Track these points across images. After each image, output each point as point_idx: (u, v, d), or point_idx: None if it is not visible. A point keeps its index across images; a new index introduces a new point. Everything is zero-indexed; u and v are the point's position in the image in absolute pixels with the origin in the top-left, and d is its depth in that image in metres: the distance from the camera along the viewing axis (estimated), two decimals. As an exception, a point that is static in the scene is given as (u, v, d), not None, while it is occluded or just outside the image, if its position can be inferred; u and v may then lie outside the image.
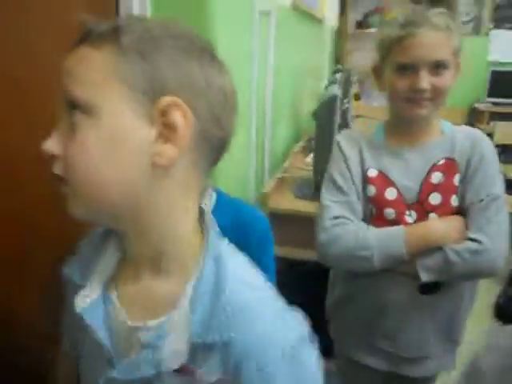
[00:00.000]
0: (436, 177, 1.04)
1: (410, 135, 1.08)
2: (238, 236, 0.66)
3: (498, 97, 4.16)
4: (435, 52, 0.97)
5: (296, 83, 2.50)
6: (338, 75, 2.52)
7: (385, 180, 1.06)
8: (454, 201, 1.03)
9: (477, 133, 1.08)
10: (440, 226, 1.01)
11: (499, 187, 1.02)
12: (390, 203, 1.05)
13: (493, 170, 1.03)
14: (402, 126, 1.09)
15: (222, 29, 1.24)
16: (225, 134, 0.50)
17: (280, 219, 1.62)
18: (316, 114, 1.70)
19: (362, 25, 4.38)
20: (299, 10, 2.30)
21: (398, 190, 1.05)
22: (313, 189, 1.73)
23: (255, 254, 0.68)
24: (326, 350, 0.78)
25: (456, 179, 1.04)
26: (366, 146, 1.09)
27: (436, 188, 1.03)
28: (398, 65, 1.00)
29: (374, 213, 1.06)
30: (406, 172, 1.06)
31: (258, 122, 1.70)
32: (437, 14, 0.98)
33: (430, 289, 1.05)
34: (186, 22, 0.50)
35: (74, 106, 0.45)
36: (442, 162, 1.05)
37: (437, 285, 1.04)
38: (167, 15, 1.05)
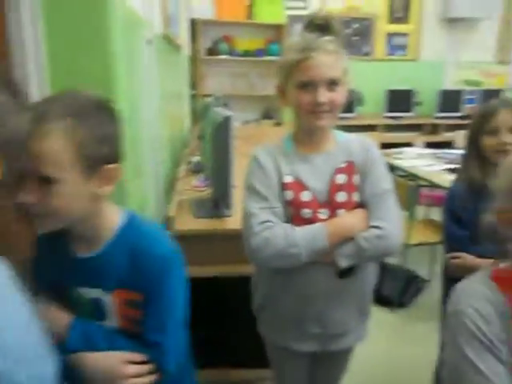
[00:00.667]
0: (340, 178, 1.22)
1: (315, 143, 1.25)
2: (136, 263, 0.90)
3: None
4: (329, 71, 1.15)
5: (170, 108, 2.55)
6: (211, 98, 2.65)
7: (299, 185, 1.20)
8: (356, 197, 1.22)
9: (366, 140, 1.29)
10: (350, 219, 1.19)
11: (389, 182, 1.24)
12: (305, 204, 1.20)
13: (383, 169, 1.25)
14: (307, 135, 1.25)
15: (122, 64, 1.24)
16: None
17: (188, 240, 1.66)
18: (209, 137, 1.79)
19: (212, 52, 4.62)
20: (168, 39, 2.37)
21: (311, 192, 1.20)
22: (211, 208, 1.81)
23: (152, 289, 0.90)
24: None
25: (356, 179, 1.23)
26: (280, 156, 1.23)
27: (341, 188, 1.21)
28: (299, 83, 1.16)
29: (293, 214, 1.20)
30: (315, 176, 1.22)
31: (150, 147, 1.71)
32: (327, 41, 1.16)
33: (345, 273, 1.22)
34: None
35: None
36: (343, 165, 1.23)
37: (351, 269, 1.22)
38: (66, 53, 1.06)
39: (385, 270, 2.90)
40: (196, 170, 2.37)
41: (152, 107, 1.73)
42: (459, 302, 0.85)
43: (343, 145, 1.27)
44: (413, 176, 3.03)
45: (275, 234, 1.14)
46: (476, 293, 0.85)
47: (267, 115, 4.98)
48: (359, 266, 1.24)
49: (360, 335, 1.35)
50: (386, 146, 4.17)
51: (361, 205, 1.23)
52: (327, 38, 1.18)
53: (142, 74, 1.56)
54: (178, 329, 0.95)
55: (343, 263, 1.18)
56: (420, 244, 2.77)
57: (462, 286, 0.89)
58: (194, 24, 4.35)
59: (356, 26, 5.07)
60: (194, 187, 2.11)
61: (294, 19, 4.77)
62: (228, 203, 1.72)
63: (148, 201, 1.66)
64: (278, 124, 4.80)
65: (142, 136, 1.57)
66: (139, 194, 1.48)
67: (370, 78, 5.07)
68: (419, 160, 3.29)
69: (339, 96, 1.18)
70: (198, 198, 1.96)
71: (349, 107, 4.86)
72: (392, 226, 1.19)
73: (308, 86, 1.16)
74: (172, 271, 0.93)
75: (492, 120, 1.44)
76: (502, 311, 0.81)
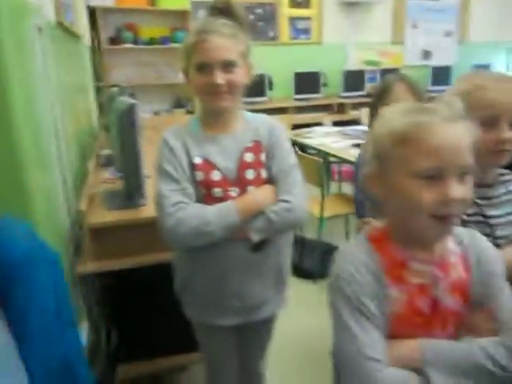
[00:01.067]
0: (248, 156, 1.26)
1: (222, 124, 1.28)
2: None
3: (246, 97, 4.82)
4: (224, 53, 1.19)
5: (72, 101, 2.43)
6: (116, 89, 2.57)
7: (209, 165, 1.24)
8: (264, 174, 1.28)
9: (272, 120, 1.35)
10: (259, 194, 1.25)
11: (294, 159, 1.31)
12: (216, 184, 1.23)
13: (287, 146, 1.31)
14: (212, 116, 1.28)
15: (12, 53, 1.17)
16: None
17: (103, 234, 1.62)
18: (115, 127, 1.74)
19: (114, 41, 4.45)
20: (62, 27, 2.24)
21: (220, 171, 1.24)
22: (124, 198, 1.77)
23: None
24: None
25: (262, 157, 1.28)
26: (188, 138, 1.25)
27: (249, 165, 1.26)
28: (197, 65, 1.19)
29: (204, 194, 1.23)
30: (224, 155, 1.25)
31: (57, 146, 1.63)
32: (223, 24, 1.20)
33: (258, 247, 1.27)
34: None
35: None
36: (251, 144, 1.28)
37: (263, 243, 1.27)
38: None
39: (303, 244, 3.03)
40: (106, 162, 2.29)
41: (49, 99, 1.64)
42: (337, 266, 0.89)
43: (251, 125, 1.31)
44: (323, 153, 3.18)
45: (188, 213, 1.17)
46: (352, 256, 0.89)
47: (178, 104, 4.91)
48: (271, 239, 1.30)
49: (279, 304, 1.42)
50: (297, 126, 4.32)
51: (269, 181, 1.29)
52: (223, 21, 1.21)
53: (35, 64, 1.47)
54: (43, 333, 0.86)
55: (255, 237, 1.23)
56: (334, 216, 2.92)
57: (341, 250, 0.92)
58: (93, 12, 4.16)
59: (259, 11, 5.14)
60: (106, 180, 2.05)
61: (198, 5, 4.73)
62: (141, 192, 1.69)
63: (56, 196, 1.59)
64: (191, 112, 4.76)
65: (43, 129, 1.49)
66: (44, 191, 1.41)
67: (277, 61, 5.19)
68: (328, 138, 3.45)
69: (237, 77, 1.22)
70: (110, 190, 1.90)
71: (260, 91, 4.94)
72: (298, 199, 1.26)
73: (205, 67, 1.19)
74: (24, 278, 0.83)
75: (389, 94, 1.56)
76: (376, 271, 0.86)
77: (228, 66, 1.20)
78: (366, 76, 5.61)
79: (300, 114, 4.94)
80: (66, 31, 2.39)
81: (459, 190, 0.78)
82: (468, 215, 1.11)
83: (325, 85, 5.43)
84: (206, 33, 1.18)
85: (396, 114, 0.84)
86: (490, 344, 0.82)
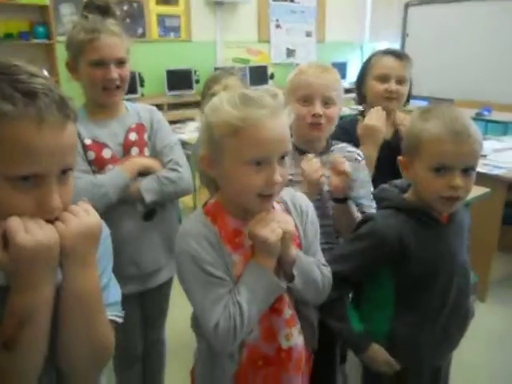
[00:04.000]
0: (132, 136, 1.44)
1: (108, 112, 1.44)
2: None
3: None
4: (117, 51, 1.34)
5: None
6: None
7: (99, 145, 1.38)
8: (147, 152, 1.46)
9: (149, 106, 1.55)
10: (145, 159, 1.44)
11: (175, 137, 1.54)
12: (108, 161, 1.39)
13: (167, 126, 1.54)
14: (100, 107, 1.43)
15: None
16: None
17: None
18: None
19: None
20: None
21: (110, 149, 1.39)
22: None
23: None
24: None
25: (145, 136, 1.46)
26: (78, 123, 1.36)
27: (133, 143, 1.44)
28: (92, 61, 1.32)
29: (98, 171, 1.37)
30: (111, 135, 1.41)
31: None
32: (112, 23, 1.35)
33: (149, 216, 1.46)
34: None
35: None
36: (134, 125, 1.45)
37: (153, 212, 1.45)
38: None
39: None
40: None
41: None
42: (181, 241, 0.98)
43: (132, 111, 1.48)
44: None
45: (84, 182, 1.30)
46: (191, 230, 0.97)
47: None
48: (160, 208, 1.47)
49: (172, 270, 1.56)
50: (171, 122, 4.38)
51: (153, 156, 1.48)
52: (111, 20, 1.35)
53: None
54: None
55: (148, 197, 1.38)
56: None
57: (181, 228, 1.02)
58: None
59: (125, 7, 5.09)
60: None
61: (58, 0, 4.54)
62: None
63: None
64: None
65: None
66: None
67: (147, 59, 5.19)
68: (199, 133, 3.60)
69: (127, 72, 1.40)
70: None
71: (131, 88, 4.89)
72: (186, 170, 1.46)
73: (100, 64, 1.32)
74: None
75: (219, 82, 1.76)
76: (215, 241, 0.96)
77: (120, 62, 1.35)
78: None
79: (173, 111, 5.02)
80: None
81: (281, 172, 0.92)
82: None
83: (197, 81, 5.57)
84: (99, 31, 1.30)
85: (227, 104, 0.91)
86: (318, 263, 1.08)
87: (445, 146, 1.09)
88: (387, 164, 1.50)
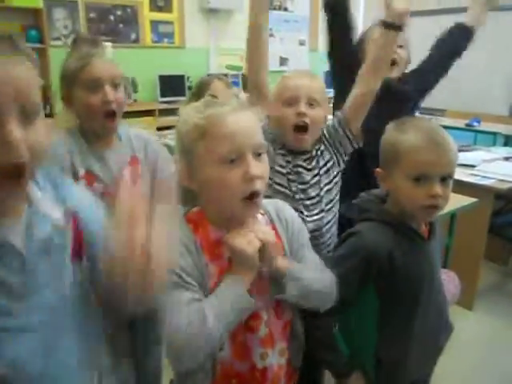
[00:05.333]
0: (126, 173, 1.40)
1: (104, 141, 1.41)
2: None
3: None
4: (111, 71, 1.35)
5: None
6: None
7: (91, 176, 1.35)
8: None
9: (144, 135, 1.53)
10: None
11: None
12: (97, 195, 1.31)
13: (166, 154, 1.53)
14: (96, 135, 1.40)
15: None
16: None
17: None
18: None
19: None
20: None
21: (103, 183, 1.36)
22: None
23: None
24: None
25: (139, 170, 1.42)
26: (74, 149, 1.37)
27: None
28: (87, 83, 1.31)
29: None
30: (106, 169, 1.38)
31: None
32: (102, 51, 1.36)
33: None
34: None
35: None
36: (129, 158, 1.43)
37: None
38: None
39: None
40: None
41: None
42: None
43: (125, 140, 1.45)
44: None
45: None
46: None
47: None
48: None
49: None
50: (162, 128, 4.39)
51: None
52: (98, 49, 1.37)
53: None
54: None
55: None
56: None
57: None
58: None
59: (119, 13, 5.10)
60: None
61: (52, 4, 4.55)
62: None
63: None
64: (49, 116, 4.54)
65: None
66: None
67: (140, 64, 5.19)
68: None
69: (122, 96, 1.38)
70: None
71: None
72: None
73: (95, 86, 1.31)
74: None
75: (207, 90, 1.77)
76: (193, 249, 0.94)
77: (115, 82, 1.34)
78: (229, 80, 5.89)
79: (165, 117, 5.02)
80: None
81: (258, 167, 0.91)
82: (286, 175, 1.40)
83: (190, 88, 5.58)
84: (90, 56, 1.32)
85: (193, 111, 0.93)
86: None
87: (424, 155, 1.11)
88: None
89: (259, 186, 0.92)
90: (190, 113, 0.94)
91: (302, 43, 7.02)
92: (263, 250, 0.92)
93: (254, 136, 0.93)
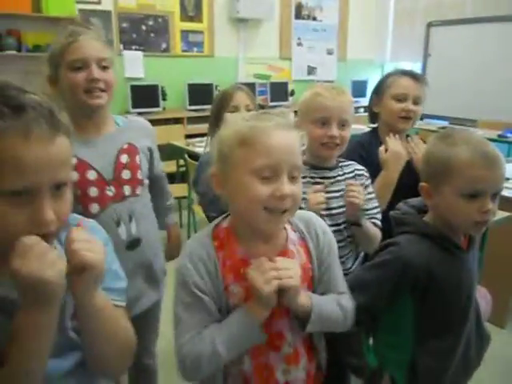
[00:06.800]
0: (123, 158, 1.37)
1: (94, 126, 1.35)
2: None
3: (140, 107, 4.85)
4: (97, 52, 1.28)
5: None
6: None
7: (83, 165, 1.30)
8: (140, 175, 1.40)
9: (145, 124, 1.52)
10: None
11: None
12: (92, 183, 1.30)
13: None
14: (85, 118, 1.33)
15: None
16: None
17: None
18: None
19: (-5, 47, 4.22)
20: None
21: (96, 171, 1.31)
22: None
23: None
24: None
25: (137, 159, 1.40)
26: None
27: (125, 166, 1.36)
28: (72, 63, 1.26)
29: (80, 194, 1.28)
30: (99, 156, 1.33)
31: None
32: (90, 29, 1.31)
33: (132, 246, 1.39)
34: None
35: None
36: (125, 146, 1.38)
37: (136, 242, 1.39)
38: None
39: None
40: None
41: None
42: (181, 259, 0.96)
43: (124, 127, 1.41)
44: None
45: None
46: (192, 253, 0.95)
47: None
48: (146, 236, 1.42)
49: (154, 298, 1.51)
50: (190, 136, 4.44)
51: (142, 181, 1.42)
52: (90, 29, 1.32)
53: None
54: None
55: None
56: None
57: (187, 245, 1.00)
58: (-31, 16, 3.92)
59: (151, 23, 5.20)
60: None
61: (87, 14, 4.67)
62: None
63: None
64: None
65: None
66: None
67: (170, 73, 5.28)
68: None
69: (111, 77, 1.32)
70: None
71: (154, 102, 4.98)
72: None
73: (80, 66, 1.26)
74: None
75: (230, 101, 1.73)
76: (212, 270, 0.93)
77: (103, 63, 1.29)
78: (257, 89, 5.91)
79: (193, 125, 5.07)
80: None
81: (290, 187, 0.89)
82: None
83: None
84: (77, 34, 1.27)
85: (238, 120, 0.95)
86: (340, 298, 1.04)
87: (478, 170, 1.07)
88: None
89: (288, 205, 0.91)
90: (235, 120, 0.95)
91: (330, 52, 6.99)
92: (285, 290, 0.90)
93: (293, 157, 0.91)
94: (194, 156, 3.55)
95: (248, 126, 0.91)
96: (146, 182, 1.46)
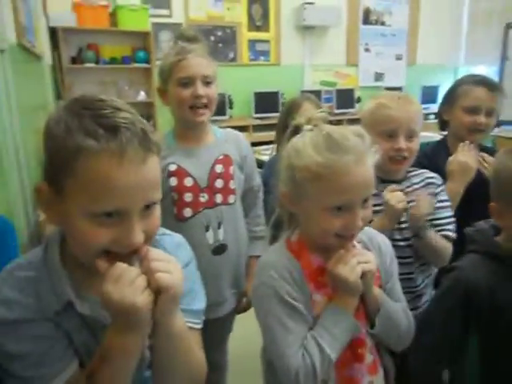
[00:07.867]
0: (218, 168, 1.44)
1: (195, 137, 1.45)
2: None
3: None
4: (203, 69, 1.38)
5: (33, 119, 2.50)
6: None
7: (182, 172, 1.39)
8: (232, 184, 1.46)
9: (237, 135, 1.55)
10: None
11: (259, 178, 1.56)
12: (188, 189, 1.39)
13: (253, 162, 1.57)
14: (188, 130, 1.44)
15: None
16: None
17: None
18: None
19: (76, 60, 4.52)
20: (23, 48, 2.33)
21: (193, 178, 1.40)
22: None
23: None
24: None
25: (231, 169, 1.46)
26: (165, 149, 1.40)
27: (219, 176, 1.43)
28: (180, 80, 1.36)
29: (177, 198, 1.39)
30: (197, 165, 1.42)
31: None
32: (198, 47, 1.40)
33: (219, 251, 1.44)
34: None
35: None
36: (221, 157, 1.45)
37: (223, 247, 1.44)
38: None
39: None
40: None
41: (9, 116, 1.73)
42: (262, 273, 0.95)
43: (221, 139, 1.49)
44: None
45: None
46: (276, 263, 0.95)
47: (141, 122, 4.98)
48: (234, 242, 1.46)
49: (233, 304, 1.55)
50: (255, 144, 4.48)
51: (234, 191, 1.48)
52: (199, 45, 1.41)
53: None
54: None
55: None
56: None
57: (263, 260, 1.00)
58: (55, 32, 4.23)
59: (219, 33, 5.34)
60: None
61: (158, 27, 4.89)
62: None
63: (16, 208, 1.67)
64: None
65: (3, 145, 1.58)
66: (4, 203, 1.51)
67: (237, 82, 5.38)
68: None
69: (214, 92, 1.40)
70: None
71: (221, 110, 5.10)
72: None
73: (187, 82, 1.36)
74: None
75: (298, 110, 1.74)
76: (298, 277, 0.93)
77: (207, 80, 1.38)
78: (323, 96, 5.87)
79: (259, 133, 5.12)
80: (27, 51, 2.48)
81: (363, 215, 0.89)
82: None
83: (283, 104, 5.65)
84: (185, 53, 1.37)
85: (312, 149, 0.88)
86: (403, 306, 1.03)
87: None
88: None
89: (357, 231, 0.93)
90: (306, 148, 0.89)
91: (398, 58, 6.79)
92: (364, 276, 0.91)
93: (369, 188, 0.90)
94: (260, 164, 3.58)
95: (322, 162, 0.87)
96: (239, 192, 1.52)
